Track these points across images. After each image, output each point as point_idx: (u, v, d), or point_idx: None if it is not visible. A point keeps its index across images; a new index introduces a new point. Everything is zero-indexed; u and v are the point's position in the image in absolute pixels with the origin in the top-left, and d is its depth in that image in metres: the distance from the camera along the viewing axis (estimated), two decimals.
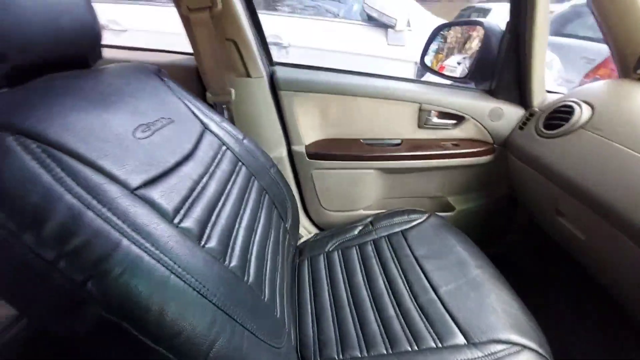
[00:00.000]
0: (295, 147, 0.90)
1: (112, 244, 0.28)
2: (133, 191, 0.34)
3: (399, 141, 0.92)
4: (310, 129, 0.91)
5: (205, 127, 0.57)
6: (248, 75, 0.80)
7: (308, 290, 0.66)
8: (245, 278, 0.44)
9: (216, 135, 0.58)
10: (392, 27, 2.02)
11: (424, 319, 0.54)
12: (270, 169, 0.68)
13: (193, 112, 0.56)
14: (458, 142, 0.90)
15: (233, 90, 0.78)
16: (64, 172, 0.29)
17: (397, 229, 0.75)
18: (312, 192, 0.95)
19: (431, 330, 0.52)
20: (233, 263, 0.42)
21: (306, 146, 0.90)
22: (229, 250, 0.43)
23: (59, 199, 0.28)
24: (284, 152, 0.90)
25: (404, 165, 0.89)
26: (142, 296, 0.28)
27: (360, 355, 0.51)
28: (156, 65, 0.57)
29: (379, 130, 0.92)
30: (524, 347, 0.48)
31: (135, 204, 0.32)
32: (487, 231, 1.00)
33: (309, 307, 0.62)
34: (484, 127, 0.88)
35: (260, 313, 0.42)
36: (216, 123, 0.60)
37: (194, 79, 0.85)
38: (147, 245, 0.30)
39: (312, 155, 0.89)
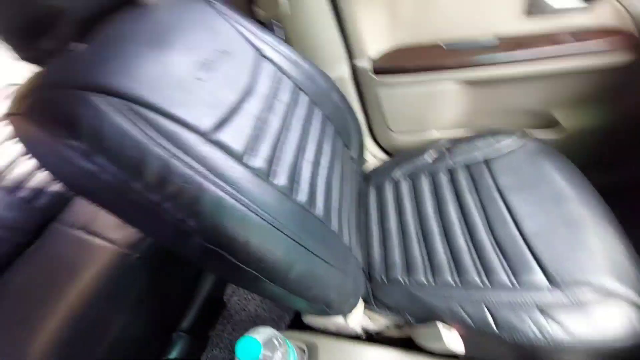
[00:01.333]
0: (358, 62, 0.79)
1: (198, 188, 0.32)
2: (207, 136, 0.36)
3: (495, 41, 0.70)
4: (375, 35, 0.76)
5: (260, 53, 0.52)
6: None
7: (375, 218, 0.66)
8: (314, 211, 0.46)
9: (272, 61, 0.53)
10: None
11: (499, 253, 0.50)
12: (332, 92, 0.62)
13: (245, 37, 0.51)
14: (581, 35, 0.64)
15: (286, 0, 0.67)
16: (147, 125, 0.32)
17: (480, 157, 0.64)
18: (379, 114, 0.86)
19: (505, 265, 0.49)
20: (300, 197, 0.44)
21: (371, 59, 0.78)
22: (295, 185, 0.45)
23: (149, 151, 0.31)
24: (346, 71, 0.80)
25: (499, 75, 0.70)
26: (229, 230, 0.33)
27: (425, 281, 0.52)
28: None
29: (466, 26, 0.71)
30: (619, 295, 0.42)
31: (212, 150, 0.35)
32: (602, 156, 0.79)
33: (375, 233, 0.63)
34: (627, 7, 0.59)
35: (329, 242, 0.46)
36: (271, 46, 0.54)
37: None
38: (227, 187, 0.34)
39: (378, 70, 0.77)
